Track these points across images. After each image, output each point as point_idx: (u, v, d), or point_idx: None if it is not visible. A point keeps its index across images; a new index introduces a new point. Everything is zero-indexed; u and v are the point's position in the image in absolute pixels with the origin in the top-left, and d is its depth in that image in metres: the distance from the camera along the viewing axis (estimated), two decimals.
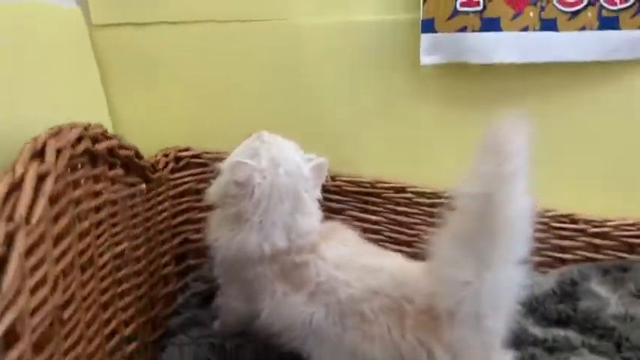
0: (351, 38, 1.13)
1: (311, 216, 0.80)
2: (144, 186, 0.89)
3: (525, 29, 1.08)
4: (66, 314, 0.59)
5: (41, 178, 0.51)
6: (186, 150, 1.15)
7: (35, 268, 0.51)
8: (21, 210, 0.44)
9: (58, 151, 0.56)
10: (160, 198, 1.00)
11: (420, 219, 1.21)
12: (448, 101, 1.15)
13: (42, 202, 0.48)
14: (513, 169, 0.56)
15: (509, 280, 0.64)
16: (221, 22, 1.14)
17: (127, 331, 0.83)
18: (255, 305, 0.80)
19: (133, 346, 0.85)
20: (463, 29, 1.07)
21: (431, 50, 1.10)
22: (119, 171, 0.78)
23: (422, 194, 1.19)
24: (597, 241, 1.19)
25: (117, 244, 0.80)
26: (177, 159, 1.11)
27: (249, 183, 0.76)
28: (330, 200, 1.19)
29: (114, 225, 0.79)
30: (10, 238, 0.44)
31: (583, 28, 1.07)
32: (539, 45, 1.09)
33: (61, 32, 0.98)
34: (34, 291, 0.51)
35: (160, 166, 1.01)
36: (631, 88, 1.11)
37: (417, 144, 1.18)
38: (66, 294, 0.60)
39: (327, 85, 1.16)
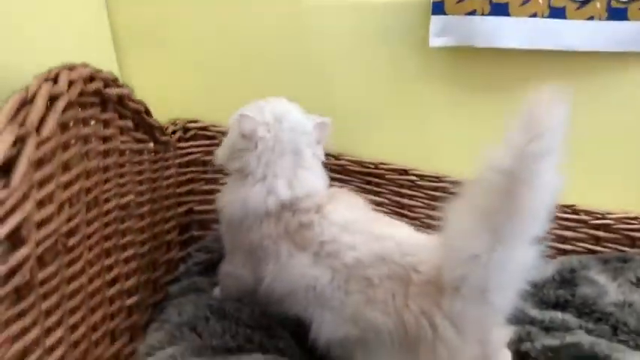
0: (361, 18, 1.15)
1: (314, 172, 0.81)
2: (152, 145, 0.91)
3: (534, 15, 1.09)
4: (70, 242, 0.60)
5: (53, 98, 0.52)
6: (195, 122, 1.16)
7: (42, 183, 0.52)
8: (33, 118, 0.46)
9: (71, 82, 0.58)
10: (167, 164, 1.02)
11: (422, 202, 1.22)
12: (455, 85, 1.16)
13: (53, 118, 0.50)
14: (545, 147, 0.54)
15: (520, 258, 0.63)
16: None
17: (127, 284, 0.84)
18: (260, 272, 0.80)
19: (132, 300, 0.85)
20: (472, 12, 1.08)
21: (440, 32, 1.11)
22: (128, 122, 0.80)
23: (425, 177, 1.20)
24: (599, 233, 1.19)
25: (122, 195, 0.81)
26: (186, 129, 1.13)
27: (253, 136, 0.77)
28: (333, 179, 1.19)
29: (121, 176, 0.80)
30: (20, 142, 0.45)
31: (591, 18, 1.08)
32: (547, 32, 1.10)
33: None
34: (40, 205, 0.52)
35: (168, 133, 1.02)
36: (637, 80, 1.11)
37: (423, 126, 1.19)
38: (70, 223, 0.61)
39: (336, 64, 1.18)
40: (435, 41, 1.11)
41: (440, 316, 0.64)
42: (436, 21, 1.10)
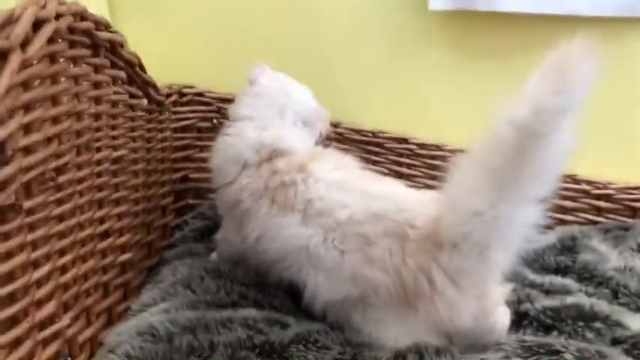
0: None
1: (292, 133, 0.80)
2: (145, 101, 0.89)
3: None
4: (59, 179, 0.59)
5: (40, 22, 0.51)
6: (191, 87, 1.15)
7: (29, 107, 0.51)
8: (17, 32, 0.44)
9: (60, 14, 0.56)
10: (162, 126, 1.01)
11: (420, 171, 1.21)
12: (456, 50, 1.14)
13: (39, 40, 0.49)
14: (570, 102, 0.51)
15: (523, 218, 0.61)
16: None
17: (121, 241, 0.82)
18: (242, 232, 0.78)
19: (125, 257, 0.84)
20: None
21: None
22: (121, 74, 0.79)
23: (425, 146, 1.18)
24: (600, 203, 1.17)
25: (115, 148, 0.80)
26: (181, 94, 1.12)
27: (255, 81, 0.80)
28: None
29: (113, 128, 0.79)
30: (3, 56, 0.44)
31: None
32: None
33: None
34: (26, 130, 0.51)
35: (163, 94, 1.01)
36: None
37: (423, 93, 1.18)
38: (60, 160, 0.60)
39: (334, 30, 1.17)
40: (435, 4, 1.09)
41: (438, 272, 0.63)
42: None
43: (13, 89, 0.46)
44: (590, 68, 0.51)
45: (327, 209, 0.71)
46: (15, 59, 0.45)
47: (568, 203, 1.17)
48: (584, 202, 1.18)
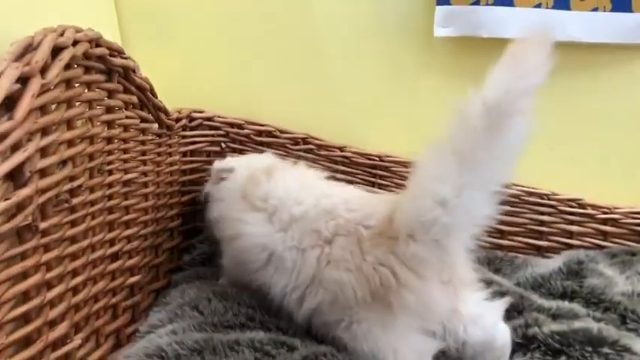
0: (366, 9, 1.16)
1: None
2: (156, 125, 0.91)
3: (538, 6, 1.10)
4: (73, 202, 0.60)
5: (58, 49, 0.52)
6: (201, 112, 1.17)
7: (46, 131, 0.52)
8: (38, 58, 0.46)
9: (76, 41, 0.58)
10: (171, 150, 1.02)
11: None
12: (460, 75, 1.16)
13: (57, 65, 0.50)
14: (530, 84, 0.57)
15: (483, 205, 0.62)
16: None
17: (130, 263, 0.83)
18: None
19: (134, 279, 0.85)
20: (476, 2, 1.09)
21: (444, 22, 1.12)
22: (133, 98, 0.80)
23: None
24: (606, 228, 1.17)
25: (126, 171, 0.81)
26: (191, 119, 1.14)
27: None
28: (338, 171, 1.19)
29: (125, 151, 0.80)
30: (24, 81, 0.45)
31: (595, 9, 1.09)
32: (552, 23, 1.10)
33: None
34: (42, 153, 0.52)
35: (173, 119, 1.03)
36: None
37: (428, 117, 1.18)
38: (74, 182, 0.61)
39: (341, 55, 1.18)
40: (439, 31, 1.12)
41: (397, 264, 0.63)
42: (441, 11, 1.11)
43: (32, 113, 0.47)
44: (546, 57, 0.57)
45: (284, 205, 0.74)
46: (35, 84, 0.46)
47: (574, 228, 1.17)
48: (590, 227, 1.17)
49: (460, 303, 0.69)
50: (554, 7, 1.08)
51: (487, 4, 1.08)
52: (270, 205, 0.75)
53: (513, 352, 0.76)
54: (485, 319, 0.71)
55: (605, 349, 0.77)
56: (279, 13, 1.15)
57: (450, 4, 1.09)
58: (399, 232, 0.63)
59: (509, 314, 0.84)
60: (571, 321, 0.86)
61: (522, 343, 0.78)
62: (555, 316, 0.89)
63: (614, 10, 1.08)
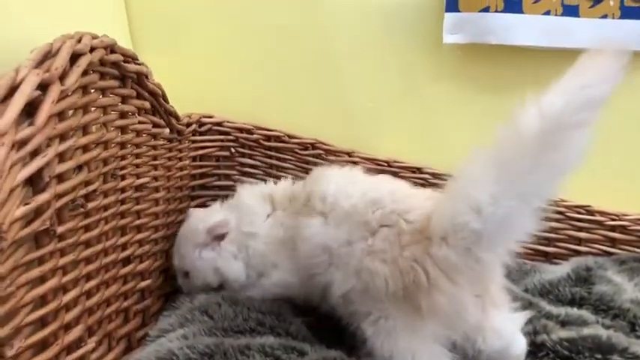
0: (376, 16, 1.17)
1: None
2: (167, 131, 0.91)
3: (547, 13, 1.10)
4: (88, 206, 0.61)
5: (76, 56, 0.53)
6: (210, 117, 1.18)
7: (63, 136, 0.53)
8: (57, 64, 0.47)
9: (93, 47, 0.59)
10: (181, 155, 1.03)
11: None
12: (469, 81, 1.16)
13: (75, 72, 0.51)
14: (596, 95, 0.55)
15: (521, 220, 0.61)
16: None
17: (141, 267, 0.84)
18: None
19: (145, 283, 0.85)
20: (486, 9, 1.10)
21: (453, 29, 1.12)
22: (145, 104, 0.81)
23: (437, 175, 1.19)
24: (614, 234, 1.18)
25: (138, 176, 0.82)
26: (201, 124, 1.14)
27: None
28: None
29: (137, 156, 0.81)
30: (44, 88, 0.46)
31: (604, 16, 1.09)
32: (561, 30, 1.11)
33: None
34: (60, 159, 0.53)
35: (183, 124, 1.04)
36: None
37: (436, 124, 1.19)
38: (89, 187, 0.62)
39: (350, 62, 1.19)
40: (448, 38, 1.12)
41: (431, 265, 0.63)
42: (450, 18, 1.12)
43: (52, 119, 0.48)
44: (617, 68, 0.55)
45: (336, 201, 0.76)
46: (54, 91, 0.47)
47: (582, 234, 1.18)
48: (599, 234, 1.18)
49: (485, 319, 0.69)
50: (563, 15, 1.09)
51: (496, 11, 1.08)
52: (326, 204, 0.77)
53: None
54: (506, 330, 0.71)
55: (615, 357, 0.77)
56: (289, 21, 1.17)
57: (459, 10, 1.10)
58: (434, 232, 0.63)
59: None
60: (580, 328, 0.86)
61: (531, 350, 0.78)
62: (564, 323, 0.89)
63: (622, 17, 1.08)
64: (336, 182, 0.79)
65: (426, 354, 0.67)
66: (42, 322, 0.53)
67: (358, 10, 1.16)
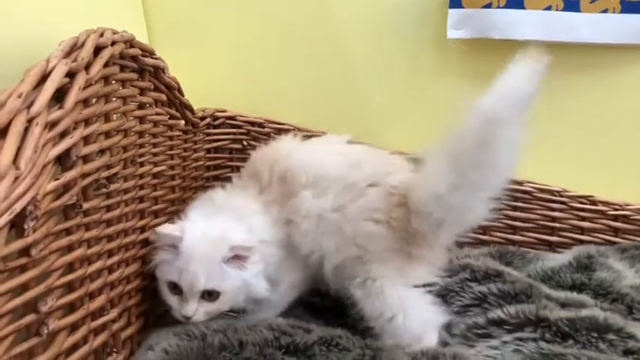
0: (383, 14, 1.21)
1: None
2: (182, 122, 0.97)
3: (548, 8, 1.13)
4: (110, 187, 0.67)
5: (99, 48, 0.59)
6: (223, 111, 1.23)
7: (88, 122, 0.58)
8: (83, 55, 0.52)
9: (114, 41, 0.64)
10: (196, 146, 1.09)
11: None
12: (473, 75, 1.20)
13: (99, 63, 0.57)
14: (524, 93, 0.67)
15: (474, 208, 0.73)
16: None
17: None
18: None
19: None
20: (488, 5, 1.13)
21: (457, 25, 1.16)
22: (162, 96, 0.87)
23: None
24: (617, 224, 1.20)
25: (155, 164, 0.87)
26: (214, 117, 1.20)
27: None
28: None
29: (154, 145, 0.86)
30: (72, 76, 0.52)
31: (605, 11, 1.12)
32: (562, 24, 1.14)
33: None
34: (85, 142, 0.58)
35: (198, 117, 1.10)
36: None
37: (442, 116, 1.22)
38: (111, 170, 0.68)
39: (358, 56, 1.24)
40: (453, 33, 1.16)
41: (412, 225, 0.77)
42: (453, 14, 1.15)
43: (78, 105, 0.54)
44: (538, 70, 0.68)
45: (318, 171, 0.81)
46: (81, 79, 0.52)
47: (585, 224, 1.20)
48: (602, 223, 1.20)
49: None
50: (564, 10, 1.12)
51: (498, 7, 1.12)
52: (311, 180, 0.82)
53: (524, 325, 0.82)
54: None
55: (610, 336, 0.81)
56: (300, 18, 1.22)
57: (462, 7, 1.13)
58: (410, 205, 0.76)
59: (518, 298, 0.89)
60: (579, 309, 0.89)
61: (534, 321, 0.83)
62: (564, 305, 0.92)
63: (623, 11, 1.11)
64: (311, 153, 0.84)
65: (415, 302, 0.77)
66: (70, 287, 0.58)
67: (366, 8, 1.21)
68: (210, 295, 0.75)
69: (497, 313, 0.86)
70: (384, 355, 0.74)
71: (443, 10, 1.15)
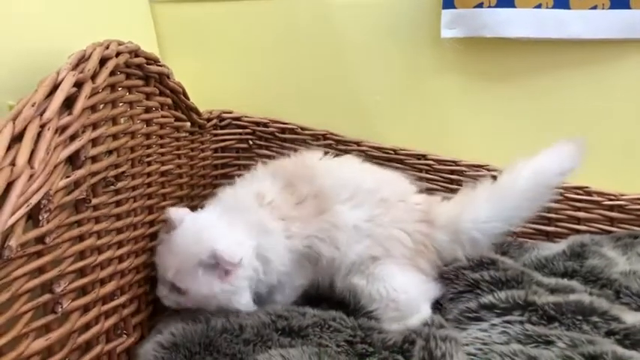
0: (378, 15, 1.26)
1: None
2: (188, 124, 1.04)
3: (538, 6, 1.17)
4: (118, 185, 0.74)
5: (104, 60, 0.66)
6: (230, 112, 1.30)
7: (95, 126, 0.66)
8: (89, 67, 0.59)
9: (119, 52, 0.71)
10: (203, 147, 1.16)
11: (440, 185, 1.29)
12: (466, 73, 1.25)
13: (104, 73, 0.64)
14: (567, 169, 0.89)
15: (501, 232, 0.91)
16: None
17: None
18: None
19: None
20: (480, 5, 1.18)
21: (450, 25, 1.21)
22: (168, 100, 0.94)
23: (442, 162, 1.28)
24: (613, 214, 1.23)
25: (163, 163, 0.94)
26: (221, 118, 1.27)
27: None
28: None
29: (162, 146, 0.93)
30: (79, 86, 0.59)
31: (594, 7, 1.16)
32: (552, 22, 1.18)
33: (125, 7, 1.17)
34: (93, 144, 0.66)
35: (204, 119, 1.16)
36: None
37: (437, 113, 1.28)
38: (118, 169, 0.75)
39: (357, 58, 1.29)
40: (446, 33, 1.21)
41: (430, 239, 0.89)
42: (446, 14, 1.20)
43: (85, 111, 0.61)
44: (578, 155, 0.88)
45: (357, 186, 0.88)
46: (87, 88, 0.59)
47: (581, 214, 1.24)
48: (597, 213, 1.23)
49: None
50: (554, 7, 1.16)
51: (490, 7, 1.16)
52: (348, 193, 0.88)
53: (513, 309, 0.87)
54: None
55: (595, 318, 0.84)
56: (300, 23, 1.28)
57: (454, 7, 1.18)
58: (437, 219, 0.89)
59: (509, 284, 0.94)
60: (567, 294, 0.92)
61: (522, 305, 0.87)
62: (553, 291, 0.95)
63: (612, 7, 1.14)
64: (347, 170, 0.92)
65: (413, 280, 0.86)
66: (82, 273, 0.66)
67: (363, 10, 1.26)
68: (177, 289, 0.76)
69: (488, 298, 0.90)
70: (375, 336, 0.80)
71: (437, 10, 1.20)
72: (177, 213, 0.79)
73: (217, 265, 0.74)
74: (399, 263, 0.86)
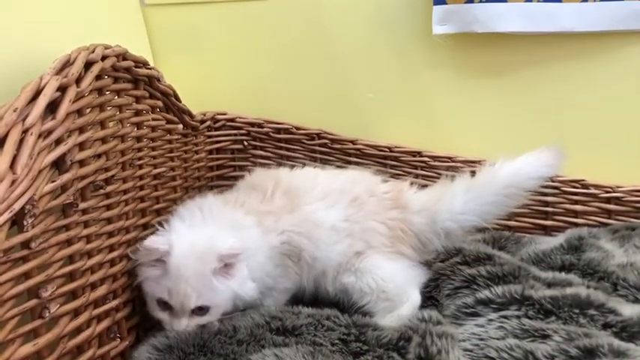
0: (373, 11, 1.26)
1: None
2: (181, 126, 1.04)
3: (529, 0, 1.17)
4: (108, 189, 0.74)
5: (89, 64, 0.66)
6: (224, 114, 1.30)
7: (82, 130, 0.66)
8: (73, 71, 0.59)
9: (105, 56, 0.71)
10: (197, 148, 1.16)
11: (435, 181, 1.27)
12: (459, 68, 1.25)
13: (89, 77, 0.64)
14: (546, 173, 0.92)
15: (475, 224, 0.93)
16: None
17: None
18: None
19: None
20: (470, 1, 1.18)
21: (442, 20, 1.20)
22: (158, 103, 0.94)
23: (437, 158, 1.28)
24: (609, 206, 1.23)
25: (155, 166, 0.94)
26: (215, 120, 1.27)
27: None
28: (351, 163, 1.30)
29: (153, 149, 0.93)
30: (63, 90, 0.59)
31: (585, 0, 1.15)
32: (543, 15, 1.17)
33: (117, 11, 1.17)
34: (80, 148, 0.66)
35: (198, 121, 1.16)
36: (633, 56, 1.17)
37: (431, 110, 1.28)
38: (108, 173, 0.75)
39: (349, 56, 1.29)
40: (438, 29, 1.21)
41: (407, 224, 0.91)
42: (438, 10, 1.20)
43: (70, 115, 0.61)
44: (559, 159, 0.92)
45: (327, 185, 0.92)
46: (71, 92, 0.59)
47: (578, 207, 1.24)
48: (594, 206, 1.23)
49: None
50: (545, 1, 1.15)
51: (480, 2, 1.16)
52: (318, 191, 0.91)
53: (510, 304, 0.86)
54: None
55: (592, 311, 0.84)
56: (292, 22, 1.28)
57: (445, 3, 1.18)
58: (411, 205, 0.93)
59: (506, 279, 0.94)
60: (564, 288, 0.92)
61: (518, 299, 0.87)
62: (550, 285, 0.95)
63: None
64: (311, 172, 0.97)
65: (400, 268, 0.88)
66: (71, 277, 0.66)
67: (354, 9, 1.26)
68: (200, 309, 0.76)
69: (485, 294, 0.90)
70: (369, 333, 0.79)
71: (428, 7, 1.20)
72: (160, 241, 0.76)
73: (223, 266, 0.76)
74: (381, 252, 0.88)
